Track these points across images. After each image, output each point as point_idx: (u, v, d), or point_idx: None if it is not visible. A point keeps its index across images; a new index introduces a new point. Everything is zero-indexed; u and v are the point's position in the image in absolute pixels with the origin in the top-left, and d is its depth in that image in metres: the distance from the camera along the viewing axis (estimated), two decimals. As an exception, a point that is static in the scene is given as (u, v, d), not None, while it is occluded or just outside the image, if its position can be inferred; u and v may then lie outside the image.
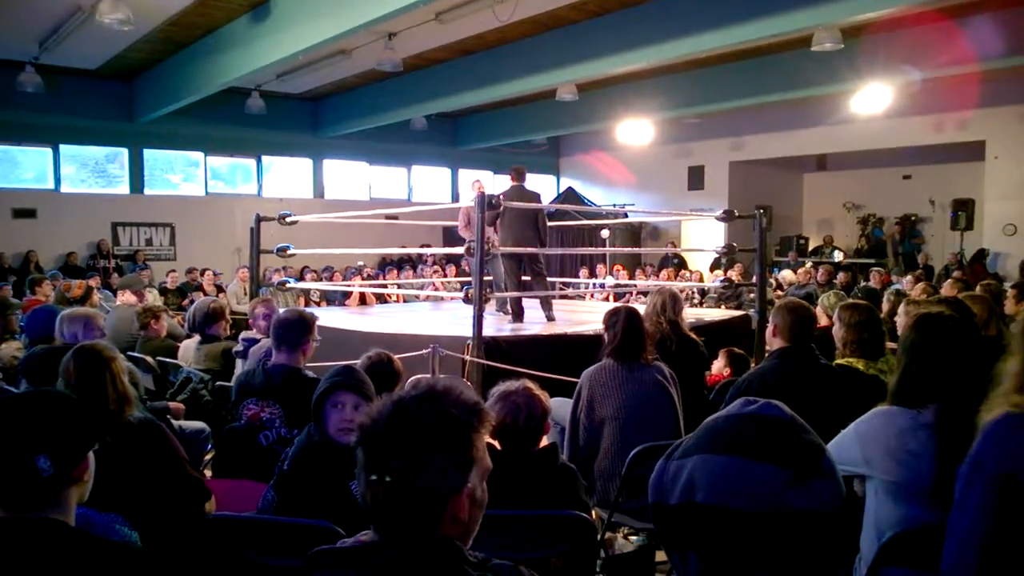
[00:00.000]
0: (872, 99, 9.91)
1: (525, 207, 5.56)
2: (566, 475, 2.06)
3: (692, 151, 14.11)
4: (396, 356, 2.75)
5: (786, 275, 10.57)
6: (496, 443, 2.03)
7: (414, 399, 1.01)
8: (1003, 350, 1.37)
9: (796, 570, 0.76)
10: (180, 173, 12.82)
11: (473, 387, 3.93)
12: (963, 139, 11.33)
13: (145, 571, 1.23)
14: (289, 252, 6.37)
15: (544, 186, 14.81)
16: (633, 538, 3.06)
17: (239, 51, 8.40)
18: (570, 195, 14.33)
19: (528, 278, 5.97)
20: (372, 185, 14.53)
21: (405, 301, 8.50)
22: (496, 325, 5.41)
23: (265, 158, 13.29)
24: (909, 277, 8.26)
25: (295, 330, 2.84)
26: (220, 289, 9.53)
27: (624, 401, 2.89)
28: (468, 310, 4.45)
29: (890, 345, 2.99)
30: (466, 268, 9.27)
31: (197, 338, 4.40)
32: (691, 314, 4.59)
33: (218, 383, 3.79)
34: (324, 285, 9.41)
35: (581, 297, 8.96)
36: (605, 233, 10.57)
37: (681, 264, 12.71)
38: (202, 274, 10.30)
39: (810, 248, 13.69)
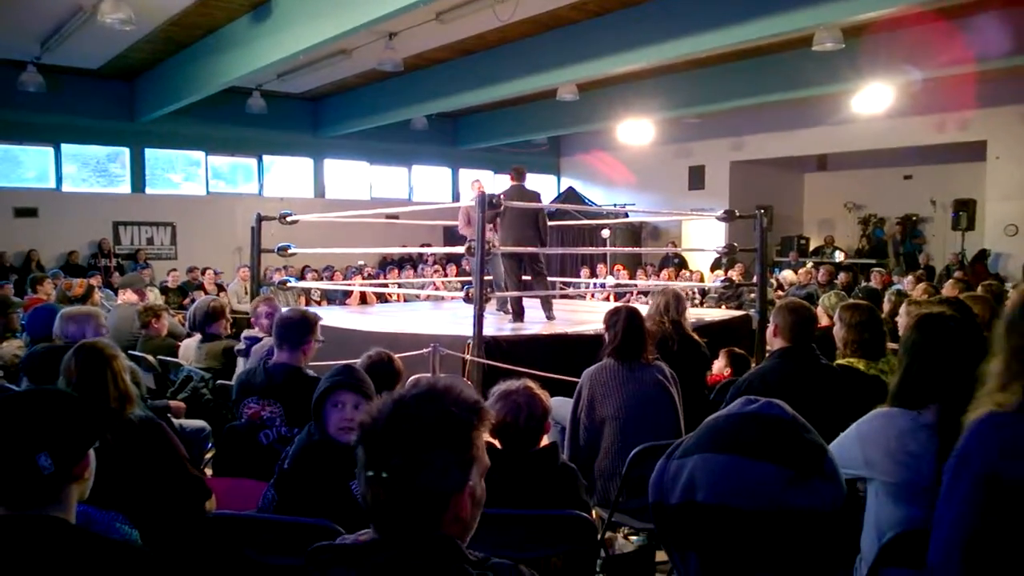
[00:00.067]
0: (873, 99, 9.90)
1: (525, 207, 5.56)
2: (566, 475, 2.06)
3: (693, 151, 14.10)
4: (396, 355, 2.75)
5: (787, 275, 10.57)
6: (496, 442, 2.03)
7: (415, 398, 1.01)
8: None
9: (797, 570, 0.75)
10: (181, 172, 12.83)
11: (473, 386, 3.93)
12: (964, 139, 11.31)
13: (145, 569, 1.23)
14: (290, 251, 6.38)
15: (545, 186, 14.81)
16: (633, 538, 3.06)
17: (240, 51, 8.40)
18: (571, 195, 14.33)
19: (528, 278, 5.97)
20: (373, 185, 14.54)
21: (406, 300, 8.50)
22: (496, 325, 5.40)
23: (266, 158, 13.30)
24: (910, 277, 8.25)
25: (297, 329, 2.84)
26: (221, 288, 9.53)
27: (624, 401, 2.89)
28: (468, 309, 4.45)
29: (891, 346, 2.98)
30: (466, 268, 9.28)
31: (198, 337, 4.41)
32: (692, 314, 4.59)
33: (219, 382, 3.80)
34: (325, 284, 9.42)
35: (582, 297, 8.95)
36: (606, 233, 10.57)
37: (682, 264, 12.70)
38: (203, 273, 10.31)
39: (811, 248, 13.68)
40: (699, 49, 7.77)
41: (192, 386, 3.84)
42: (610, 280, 9.60)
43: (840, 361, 2.84)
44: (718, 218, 6.43)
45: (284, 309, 3.42)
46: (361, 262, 11.74)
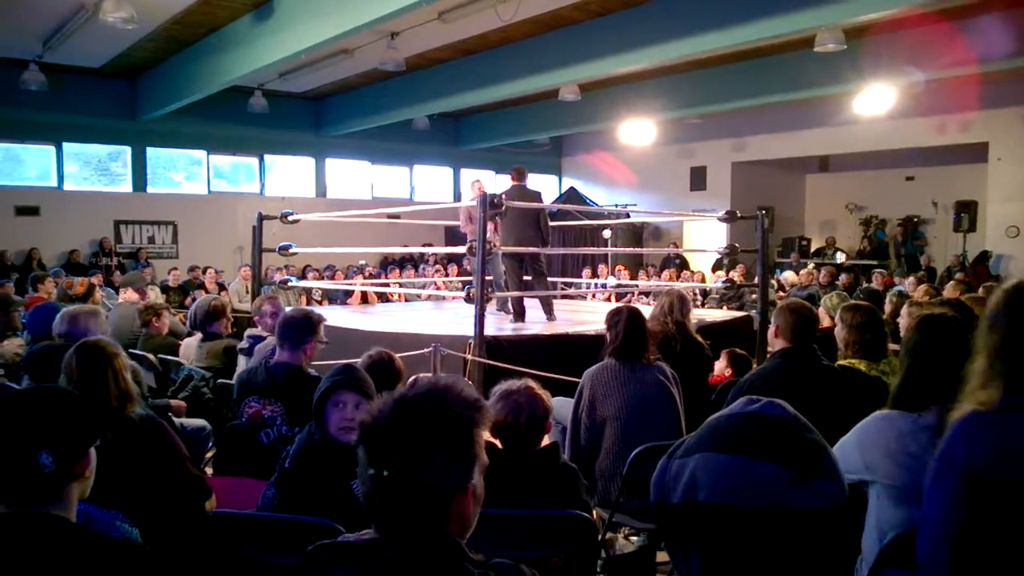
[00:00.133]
0: (875, 100, 9.90)
1: (526, 207, 5.56)
2: (567, 475, 2.06)
3: (694, 151, 14.10)
4: (397, 355, 2.75)
5: (788, 276, 10.56)
6: (497, 442, 2.02)
7: (416, 397, 1.01)
8: None
9: (798, 570, 0.75)
10: (183, 171, 12.84)
11: (474, 386, 3.93)
12: (966, 141, 11.30)
13: (145, 567, 1.23)
14: (291, 251, 6.38)
15: (546, 186, 14.81)
16: (634, 538, 3.05)
17: (242, 50, 8.41)
18: (572, 195, 14.33)
19: (529, 278, 5.97)
20: (374, 184, 14.54)
21: (407, 300, 8.50)
22: (497, 325, 5.40)
23: (267, 157, 13.31)
24: (911, 279, 8.25)
25: (299, 329, 2.84)
26: (222, 287, 9.54)
27: (625, 401, 2.89)
28: (469, 309, 4.45)
29: (892, 347, 2.98)
30: (467, 267, 9.28)
31: (198, 336, 4.41)
32: (694, 315, 4.59)
33: (219, 381, 3.80)
34: (326, 284, 9.42)
35: (583, 297, 8.95)
36: (607, 233, 10.57)
37: (683, 265, 12.70)
38: (204, 272, 10.32)
39: (812, 249, 13.67)
40: (701, 50, 7.77)
41: (193, 385, 3.85)
42: (611, 280, 9.59)
43: (841, 362, 2.83)
44: (719, 219, 6.43)
45: (288, 308, 3.42)
46: (362, 262, 11.75)
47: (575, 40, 8.67)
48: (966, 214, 11.59)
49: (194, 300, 6.08)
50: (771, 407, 0.83)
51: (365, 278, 9.76)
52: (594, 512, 2.30)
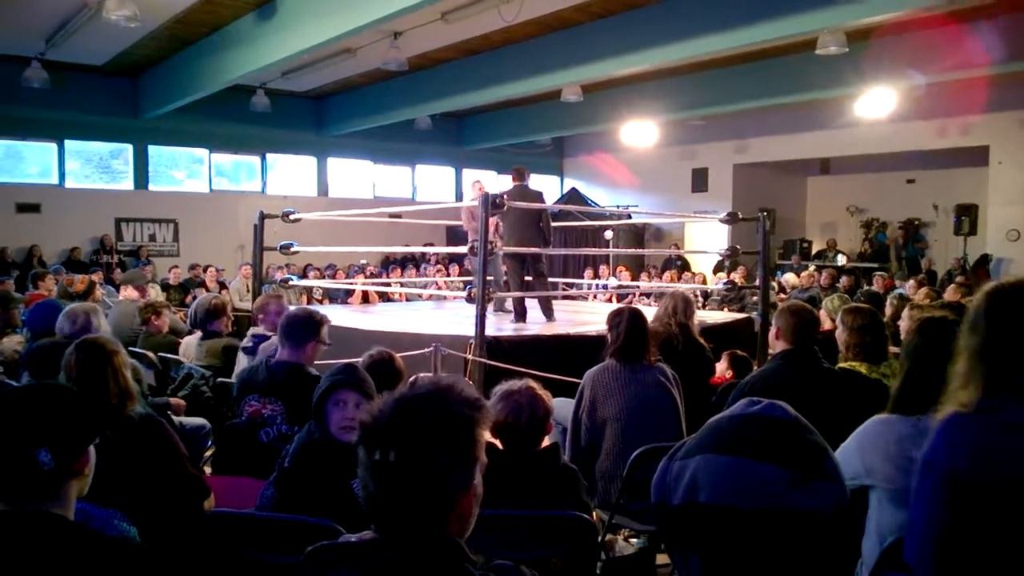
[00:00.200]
0: (876, 103, 9.90)
1: (528, 207, 5.56)
2: (567, 476, 2.05)
3: (696, 153, 14.10)
4: (398, 355, 2.75)
5: (789, 278, 10.56)
6: (498, 442, 2.02)
7: (418, 397, 1.00)
8: None
9: (798, 572, 0.75)
10: (184, 170, 12.85)
11: (475, 387, 3.93)
12: (967, 144, 11.31)
13: (144, 566, 1.23)
14: (292, 250, 6.38)
15: (548, 187, 14.80)
16: (634, 540, 3.05)
17: (245, 49, 8.42)
18: (574, 196, 14.34)
19: (530, 278, 5.97)
20: (376, 184, 14.54)
21: (408, 300, 8.50)
22: (497, 325, 5.40)
23: (269, 156, 13.31)
24: (912, 282, 8.24)
25: (301, 327, 2.83)
26: (223, 286, 9.54)
27: (626, 402, 2.89)
28: (470, 309, 4.45)
29: (893, 350, 2.98)
30: (469, 267, 9.28)
31: (198, 334, 4.41)
32: (696, 316, 4.58)
33: (219, 379, 3.79)
34: (327, 283, 9.42)
35: (584, 298, 8.95)
36: (608, 234, 10.57)
37: (684, 266, 12.70)
38: (205, 270, 10.32)
39: (813, 252, 13.66)
40: (703, 52, 7.77)
41: (192, 383, 3.85)
42: (612, 281, 9.59)
43: (842, 364, 2.83)
44: (721, 220, 6.43)
45: (291, 307, 3.42)
46: (363, 261, 11.74)
47: (577, 41, 8.67)
48: (967, 217, 11.59)
49: (195, 298, 6.07)
50: (772, 409, 0.82)
51: (366, 277, 9.76)
52: (594, 513, 2.30)
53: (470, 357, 4.26)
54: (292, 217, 6.47)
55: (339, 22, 6.98)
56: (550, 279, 6.80)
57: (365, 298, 8.29)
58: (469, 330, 4.41)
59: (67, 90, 10.47)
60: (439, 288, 9.20)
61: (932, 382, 1.80)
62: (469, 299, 4.53)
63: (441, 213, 9.47)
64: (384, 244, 11.78)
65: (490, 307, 5.67)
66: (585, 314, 6.49)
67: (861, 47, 8.39)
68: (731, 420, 0.83)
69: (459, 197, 14.73)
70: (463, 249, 5.10)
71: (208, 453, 3.47)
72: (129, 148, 12.00)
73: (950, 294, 5.52)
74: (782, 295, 9.11)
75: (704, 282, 11.09)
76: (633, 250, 12.34)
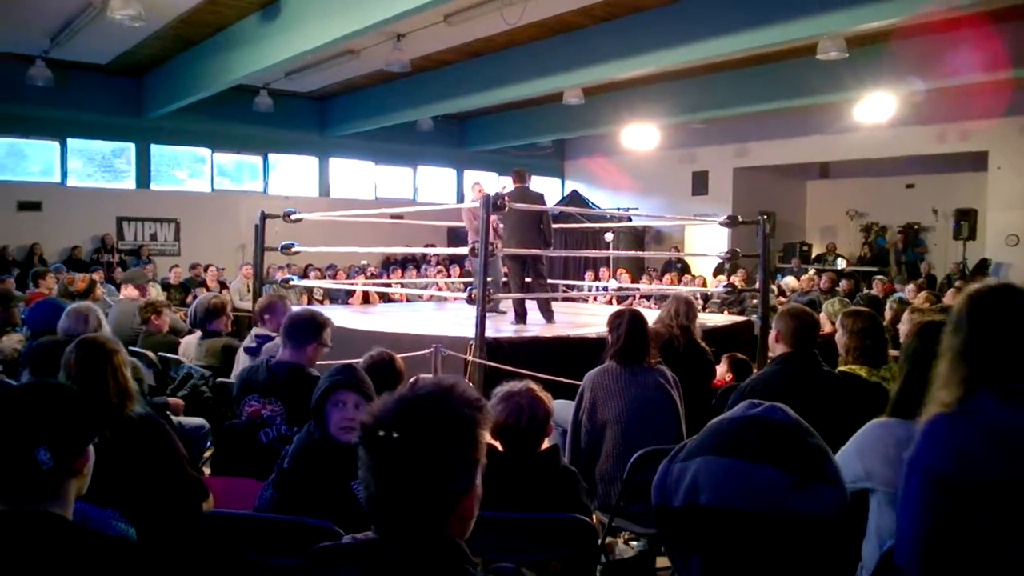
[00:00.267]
0: (876, 108, 9.91)
1: (528, 209, 5.57)
2: (567, 478, 2.05)
3: (696, 156, 14.11)
4: (398, 356, 2.75)
5: (789, 282, 10.56)
6: (498, 444, 2.02)
7: (420, 397, 1.00)
8: None
9: (799, 574, 0.75)
10: (186, 169, 12.85)
11: (475, 388, 3.92)
12: (966, 149, 11.32)
13: (142, 566, 1.22)
14: (293, 250, 6.38)
15: (549, 189, 14.80)
16: (634, 543, 3.04)
17: (248, 49, 8.43)
18: (574, 198, 14.34)
19: (529, 280, 5.97)
20: (377, 184, 14.55)
21: (408, 301, 8.50)
22: (494, 326, 5.40)
23: (271, 156, 13.32)
24: (912, 286, 8.25)
25: (303, 328, 2.83)
26: (223, 286, 9.54)
27: (626, 404, 2.89)
28: (471, 311, 4.45)
29: (892, 353, 2.98)
30: (469, 268, 9.27)
31: (198, 334, 4.40)
32: (699, 319, 4.59)
33: (218, 379, 3.79)
34: (327, 283, 9.42)
35: (584, 300, 8.96)
36: (609, 236, 10.57)
37: (684, 269, 12.69)
38: (206, 270, 10.32)
39: (813, 255, 13.67)
40: (704, 56, 7.79)
41: (192, 383, 3.84)
42: (612, 284, 9.59)
43: (842, 368, 2.83)
44: (721, 223, 6.43)
45: (295, 308, 3.42)
46: (364, 262, 11.74)
47: (579, 44, 8.68)
48: (966, 222, 11.60)
49: (195, 298, 6.07)
50: (773, 411, 0.83)
51: (367, 278, 9.75)
52: (594, 516, 2.30)
53: (470, 358, 4.26)
54: (293, 217, 6.47)
55: (343, 23, 6.99)
56: (550, 281, 6.80)
57: (366, 299, 8.29)
58: (469, 331, 4.41)
59: (70, 89, 10.48)
60: (440, 289, 9.20)
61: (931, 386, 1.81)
62: (470, 300, 4.53)
63: (442, 214, 9.47)
64: (385, 245, 11.78)
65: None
66: (585, 316, 6.50)
67: (861, 53, 8.41)
68: (732, 422, 0.83)
69: (460, 199, 14.73)
70: (464, 250, 5.10)
71: (207, 453, 3.46)
72: (132, 147, 12.01)
73: (949, 298, 5.52)
74: (782, 298, 9.11)
75: (704, 285, 11.09)
76: (633, 252, 12.34)
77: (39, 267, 8.39)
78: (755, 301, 6.95)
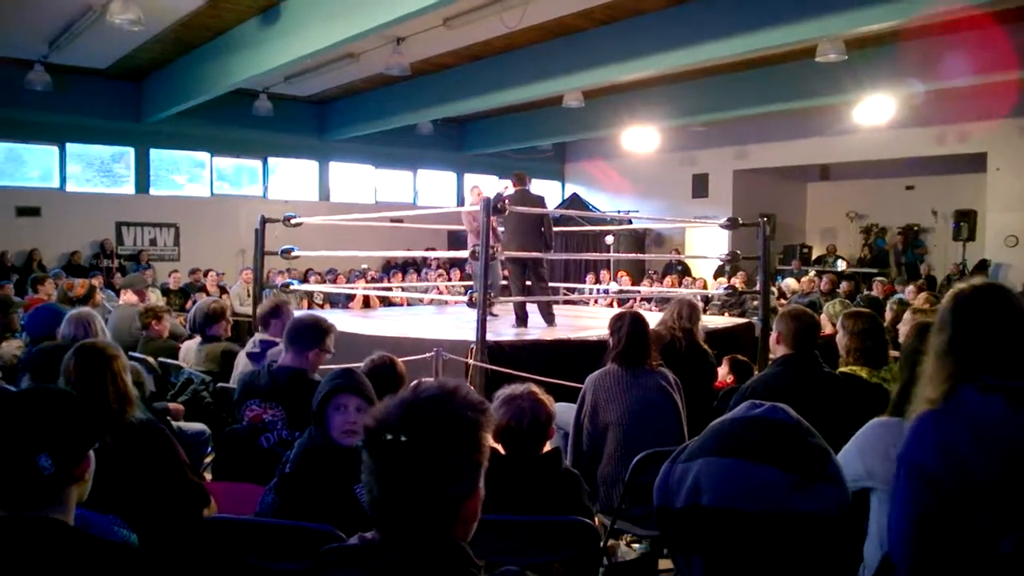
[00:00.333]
0: (875, 110, 9.93)
1: (528, 212, 5.57)
2: (569, 480, 2.05)
3: (697, 159, 14.12)
4: (399, 359, 2.75)
5: (789, 283, 10.56)
6: (500, 447, 2.02)
7: (423, 400, 1.00)
8: None
9: (801, 574, 0.75)
10: (185, 174, 12.86)
11: (477, 391, 3.92)
12: (965, 151, 11.34)
13: (144, 571, 1.22)
14: (293, 254, 6.38)
15: (549, 192, 14.82)
16: (636, 546, 3.04)
17: (248, 53, 8.44)
18: (575, 201, 14.35)
19: (530, 283, 5.97)
20: (377, 188, 14.56)
21: (409, 304, 8.50)
22: (497, 330, 5.40)
23: (271, 160, 13.34)
24: (911, 287, 8.25)
25: (306, 333, 2.82)
26: (223, 290, 9.53)
27: (628, 407, 2.89)
28: (472, 314, 4.45)
29: (893, 354, 2.98)
30: (470, 272, 9.27)
31: (198, 339, 4.40)
32: (702, 323, 4.59)
33: (219, 384, 3.78)
34: (328, 287, 9.42)
35: (585, 303, 8.95)
36: (609, 239, 10.57)
37: (685, 271, 12.69)
38: (205, 275, 10.31)
39: (813, 257, 13.68)
40: (704, 59, 7.80)
41: (192, 389, 3.83)
42: (613, 286, 9.59)
43: (843, 369, 2.83)
44: (721, 226, 6.44)
45: (298, 313, 3.42)
46: (364, 265, 11.74)
47: (579, 48, 8.70)
48: (965, 223, 11.61)
49: (195, 303, 6.07)
50: (774, 411, 0.83)
51: (367, 282, 9.76)
52: (596, 519, 2.29)
53: (471, 362, 4.26)
54: (293, 221, 6.47)
55: (342, 27, 7.00)
56: (551, 284, 6.80)
57: (366, 302, 8.29)
58: (470, 335, 4.41)
59: (69, 93, 10.49)
60: (440, 293, 9.20)
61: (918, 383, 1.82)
62: (470, 304, 4.53)
63: (442, 217, 9.48)
64: (385, 248, 11.79)
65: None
66: (586, 319, 6.50)
67: (860, 55, 8.43)
68: (733, 423, 0.83)
69: (460, 202, 14.74)
70: (464, 254, 5.10)
71: (208, 459, 3.45)
72: (131, 152, 12.02)
73: (950, 300, 5.53)
74: (782, 300, 9.11)
75: (705, 287, 11.09)
76: (634, 255, 12.35)
77: (38, 273, 8.40)
78: (756, 303, 6.95)
